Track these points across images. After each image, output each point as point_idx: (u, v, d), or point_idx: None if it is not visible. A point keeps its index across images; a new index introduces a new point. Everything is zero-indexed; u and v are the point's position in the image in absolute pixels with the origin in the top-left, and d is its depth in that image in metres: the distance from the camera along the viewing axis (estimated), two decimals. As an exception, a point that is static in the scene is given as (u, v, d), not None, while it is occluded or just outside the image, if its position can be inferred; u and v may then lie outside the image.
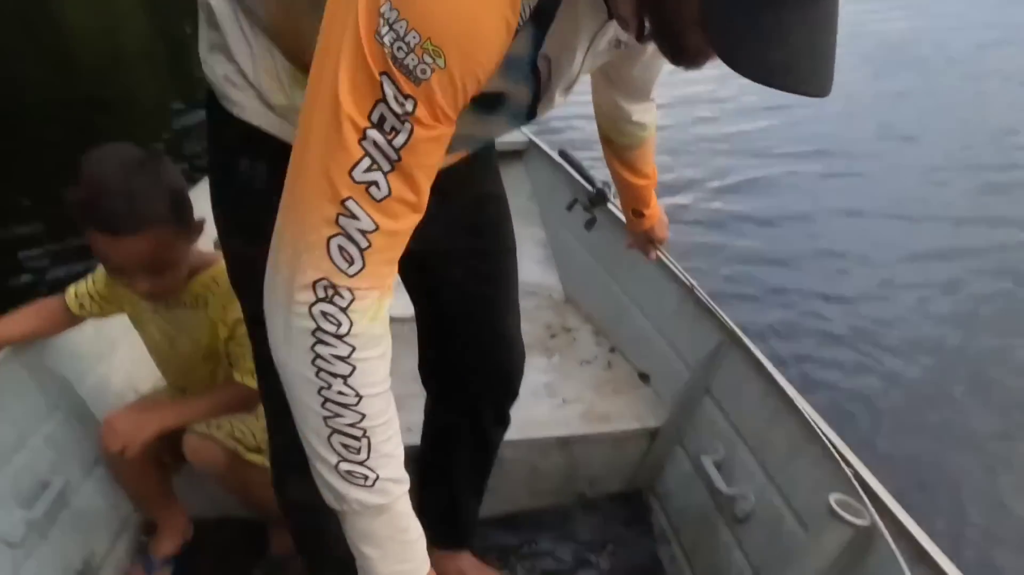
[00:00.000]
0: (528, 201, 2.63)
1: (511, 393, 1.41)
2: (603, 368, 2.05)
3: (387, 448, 0.80)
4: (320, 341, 0.73)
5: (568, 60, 0.83)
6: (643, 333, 1.99)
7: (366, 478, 0.79)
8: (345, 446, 0.78)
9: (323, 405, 0.76)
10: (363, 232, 0.69)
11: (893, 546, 1.08)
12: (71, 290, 1.48)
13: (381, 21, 0.64)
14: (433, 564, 1.44)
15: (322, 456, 0.79)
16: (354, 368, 0.74)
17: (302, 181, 0.70)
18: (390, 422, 0.81)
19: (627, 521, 1.85)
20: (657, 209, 1.67)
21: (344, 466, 0.79)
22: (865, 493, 1.18)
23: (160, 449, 1.48)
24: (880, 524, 1.11)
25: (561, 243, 2.50)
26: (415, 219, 0.73)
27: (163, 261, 1.30)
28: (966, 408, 2.88)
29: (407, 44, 0.63)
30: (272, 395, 1.14)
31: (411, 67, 0.64)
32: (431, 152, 0.69)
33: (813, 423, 1.34)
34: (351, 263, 0.70)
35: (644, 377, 1.97)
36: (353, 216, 0.68)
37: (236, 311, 1.28)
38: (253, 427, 1.48)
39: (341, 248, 0.70)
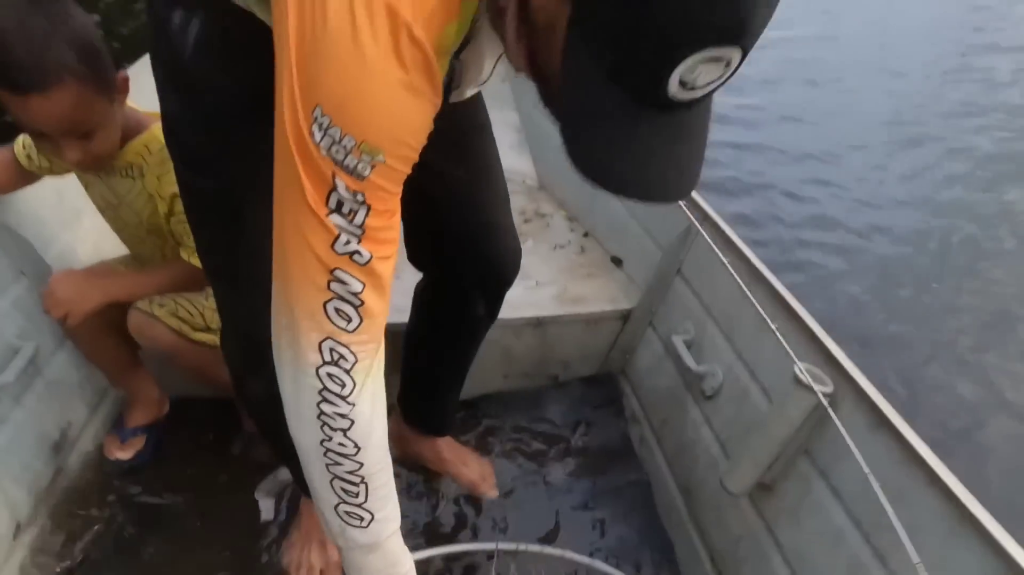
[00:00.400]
0: (501, 84, 2.56)
1: (504, 282, 1.37)
2: (576, 252, 2.05)
3: (383, 492, 0.87)
4: (325, 399, 0.78)
5: (477, 69, 0.89)
6: (616, 218, 1.98)
7: (362, 519, 0.87)
8: (345, 490, 0.85)
9: (325, 454, 0.82)
10: (355, 293, 0.74)
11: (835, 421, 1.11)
12: (19, 139, 1.39)
13: (316, 126, 0.66)
14: (411, 445, 1.47)
15: (323, 497, 0.86)
16: (353, 422, 0.80)
17: (288, 252, 0.73)
18: (385, 468, 0.87)
19: (598, 403, 1.90)
20: None
21: (343, 507, 0.86)
22: (829, 362, 1.21)
23: (122, 321, 1.45)
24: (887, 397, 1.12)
25: (535, 128, 2.45)
26: (392, 262, 0.77)
27: (86, 124, 1.18)
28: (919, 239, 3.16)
29: (344, 147, 0.66)
30: (221, 290, 1.11)
31: (352, 167, 0.67)
32: (390, 217, 0.73)
33: (781, 296, 1.36)
34: (349, 321, 0.75)
35: (617, 261, 1.98)
36: (343, 282, 0.73)
37: (172, 184, 1.21)
38: (202, 306, 1.45)
39: (338, 310, 0.74)
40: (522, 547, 1.32)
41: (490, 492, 1.64)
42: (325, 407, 0.79)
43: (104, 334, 1.48)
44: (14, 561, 1.30)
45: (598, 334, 1.86)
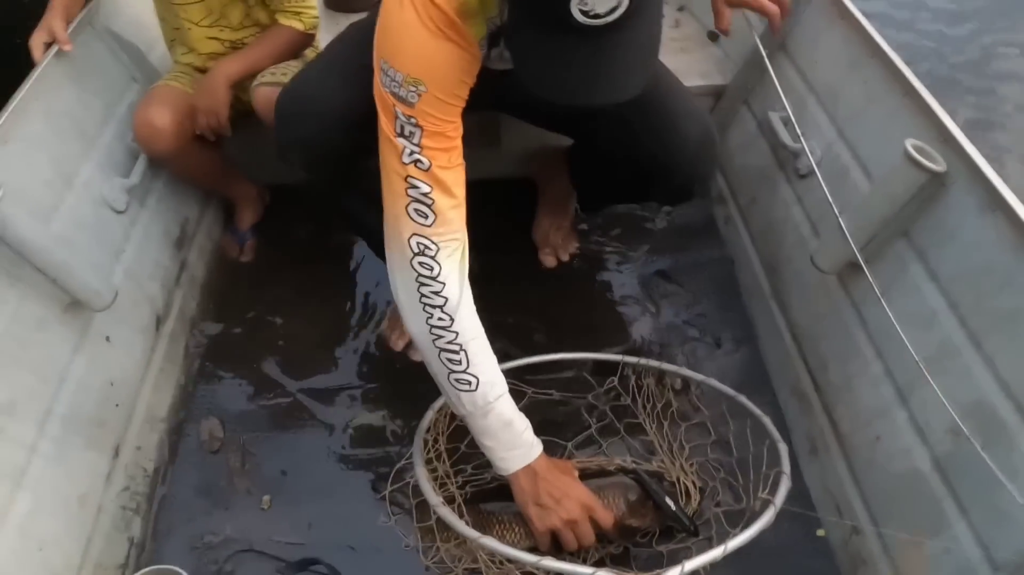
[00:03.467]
0: None
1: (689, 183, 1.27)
2: (671, 27, 1.85)
3: (480, 358, 1.03)
4: (422, 284, 0.98)
5: None
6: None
7: (469, 383, 1.02)
8: (450, 360, 1.01)
9: (431, 331, 1.00)
10: (425, 194, 0.95)
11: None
12: None
13: (383, 74, 0.92)
14: (550, 177, 1.64)
15: (437, 371, 1.04)
16: (446, 299, 0.98)
17: (385, 175, 0.97)
18: (479, 337, 1.04)
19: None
20: None
21: (453, 376, 1.02)
22: (946, 141, 1.07)
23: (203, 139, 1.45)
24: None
25: None
26: (458, 172, 0.98)
27: None
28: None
29: (397, 81, 0.90)
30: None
31: (404, 96, 0.91)
32: (442, 137, 0.94)
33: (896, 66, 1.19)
34: (426, 218, 0.96)
35: (713, 36, 1.77)
36: (415, 186, 0.94)
37: None
38: None
39: (416, 210, 0.95)
40: (643, 362, 1.35)
41: (546, 260, 1.63)
42: (423, 290, 0.98)
43: (191, 153, 1.46)
44: (160, 350, 1.40)
45: None
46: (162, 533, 1.23)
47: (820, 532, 1.23)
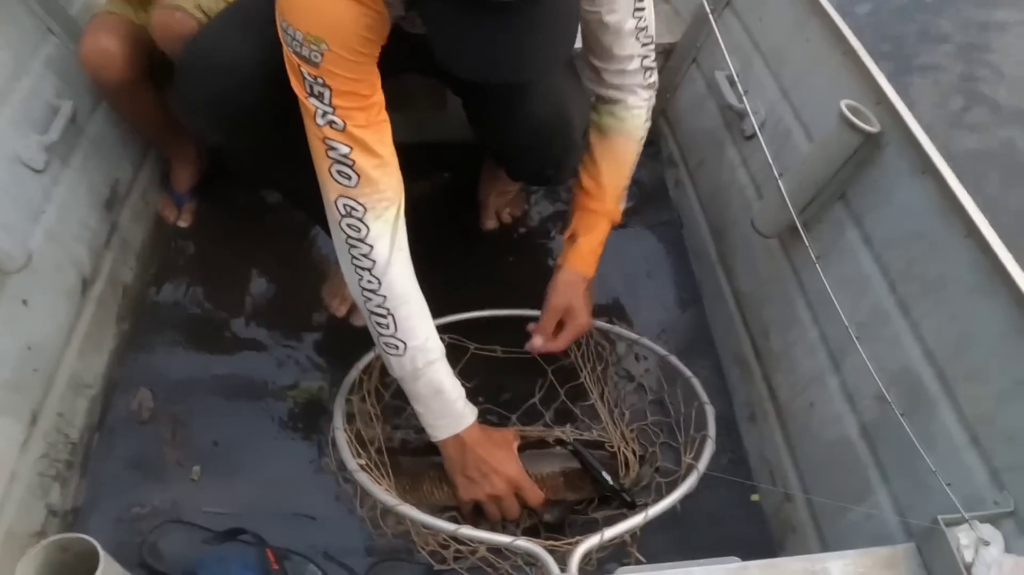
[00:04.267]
0: None
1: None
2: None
3: (410, 324, 0.99)
4: (351, 246, 0.95)
5: None
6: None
7: (397, 347, 0.99)
8: (379, 323, 0.99)
9: (362, 293, 0.98)
10: (345, 155, 0.91)
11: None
12: None
13: (286, 35, 0.87)
14: (491, 177, 1.61)
15: (372, 334, 1.01)
16: (375, 262, 0.95)
17: (308, 137, 0.93)
18: (410, 302, 0.99)
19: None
20: (583, 267, 1.25)
21: (382, 339, 1.00)
22: (880, 102, 1.04)
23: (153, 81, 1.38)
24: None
25: None
26: (379, 130, 0.93)
27: None
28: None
29: (298, 41, 0.86)
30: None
31: (307, 56, 0.86)
32: (354, 96, 0.90)
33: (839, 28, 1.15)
34: (349, 179, 0.92)
35: (663, -10, 1.71)
36: (333, 148, 0.91)
37: None
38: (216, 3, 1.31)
39: (339, 171, 0.92)
40: None
41: (487, 223, 1.60)
42: (353, 252, 0.95)
43: (139, 89, 1.39)
44: (87, 314, 1.34)
45: None
46: (87, 503, 1.20)
47: (755, 497, 1.23)
